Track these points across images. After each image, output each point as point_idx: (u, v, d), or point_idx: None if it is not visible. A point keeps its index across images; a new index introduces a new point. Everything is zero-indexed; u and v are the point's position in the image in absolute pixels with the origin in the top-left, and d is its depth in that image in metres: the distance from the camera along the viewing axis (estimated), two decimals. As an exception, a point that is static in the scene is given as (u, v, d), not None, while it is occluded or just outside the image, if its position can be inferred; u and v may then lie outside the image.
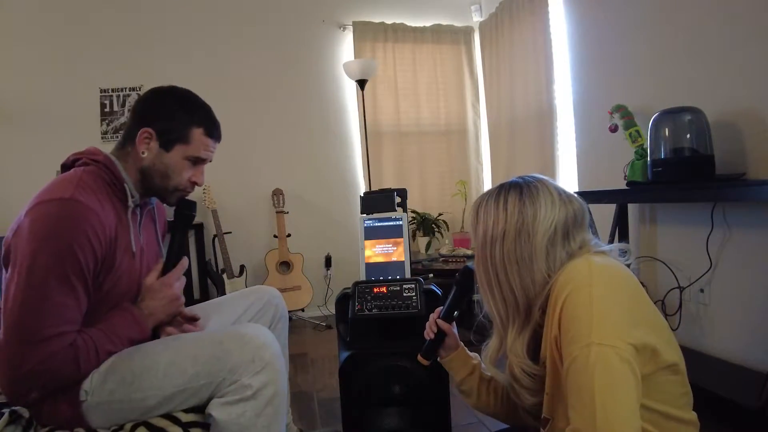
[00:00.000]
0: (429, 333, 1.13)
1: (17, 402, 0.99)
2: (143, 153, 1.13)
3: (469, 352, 1.16)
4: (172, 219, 1.26)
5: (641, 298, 0.80)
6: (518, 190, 0.89)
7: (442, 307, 1.14)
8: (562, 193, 0.90)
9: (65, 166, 1.13)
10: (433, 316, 1.14)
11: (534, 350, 0.90)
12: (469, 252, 3.25)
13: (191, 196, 1.26)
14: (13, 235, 0.99)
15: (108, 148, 1.16)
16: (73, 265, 0.96)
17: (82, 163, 1.11)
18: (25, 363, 0.92)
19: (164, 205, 1.29)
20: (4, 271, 1.00)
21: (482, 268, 0.92)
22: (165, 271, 1.19)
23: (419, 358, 1.14)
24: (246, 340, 1.05)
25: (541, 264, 0.85)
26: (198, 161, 1.19)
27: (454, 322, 1.14)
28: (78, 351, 0.97)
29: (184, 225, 1.26)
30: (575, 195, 0.92)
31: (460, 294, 1.12)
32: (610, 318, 0.73)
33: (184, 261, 1.22)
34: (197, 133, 1.16)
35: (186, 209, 1.25)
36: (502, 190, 0.91)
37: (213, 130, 1.19)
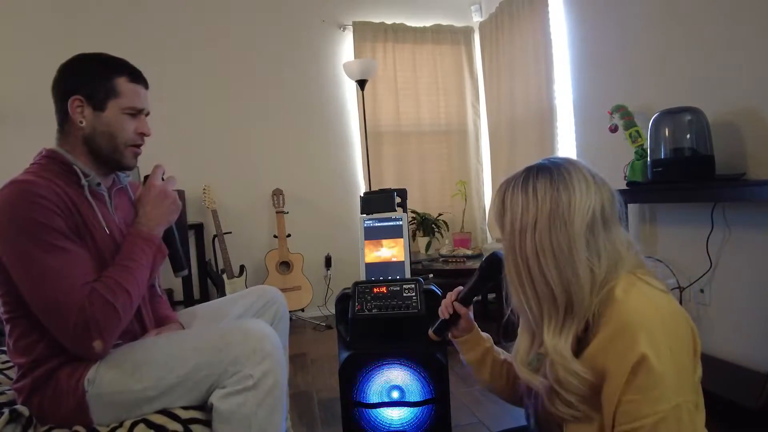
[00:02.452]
0: (444, 312, 1.10)
1: (89, 356, 1.03)
2: (81, 122, 1.11)
3: (481, 334, 1.12)
4: None
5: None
6: (548, 174, 0.82)
7: (461, 288, 1.10)
8: (595, 176, 0.83)
9: None
10: (451, 296, 1.10)
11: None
12: (468, 252, 3.25)
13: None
14: None
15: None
16: (47, 232, 0.98)
17: (30, 166, 1.11)
18: (67, 325, 0.97)
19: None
20: None
21: (511, 259, 0.85)
22: None
23: (430, 333, 1.12)
24: (247, 332, 1.06)
25: (582, 255, 0.78)
26: (136, 112, 1.16)
27: (471, 306, 1.11)
28: (102, 292, 1.00)
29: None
30: (605, 180, 0.85)
31: (482, 280, 1.08)
32: (687, 373, 0.75)
33: (158, 168, 1.23)
34: (122, 82, 1.14)
35: None
36: (530, 174, 0.84)
37: (136, 75, 1.17)
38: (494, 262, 1.06)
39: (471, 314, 1.11)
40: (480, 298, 3.22)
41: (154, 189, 1.18)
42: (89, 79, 1.12)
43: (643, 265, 0.84)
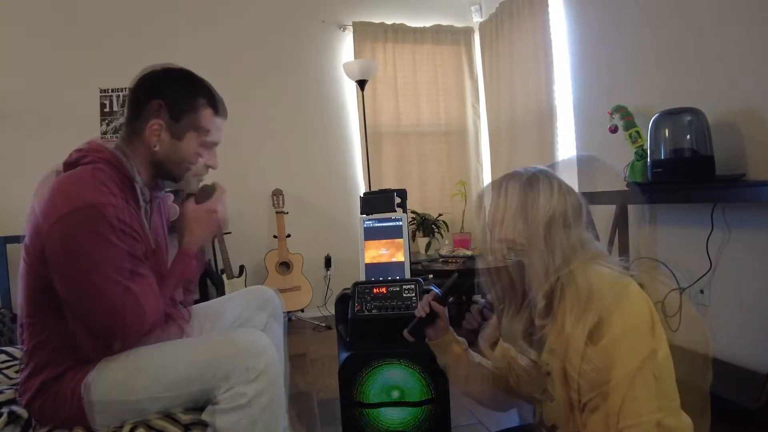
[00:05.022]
0: (421, 312, 1.13)
1: (106, 353, 1.02)
2: (155, 146, 1.10)
3: (457, 337, 1.17)
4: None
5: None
6: (519, 179, 0.93)
7: (437, 290, 1.16)
8: (561, 185, 0.92)
9: (68, 164, 1.09)
10: (427, 297, 1.15)
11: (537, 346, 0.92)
12: (468, 252, 3.25)
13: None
14: (40, 243, 0.99)
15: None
16: (102, 222, 0.97)
17: (88, 161, 1.07)
18: (95, 320, 0.98)
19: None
20: (24, 265, 1.03)
21: (482, 251, 1.00)
22: None
23: (405, 333, 1.15)
24: (240, 348, 1.03)
25: (539, 248, 0.88)
26: (211, 144, 1.17)
27: (446, 307, 1.16)
28: (137, 294, 1.00)
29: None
30: (575, 190, 0.94)
31: (459, 279, 1.15)
32: (642, 339, 0.79)
33: (224, 194, 1.24)
34: (207, 115, 1.13)
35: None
36: (504, 179, 0.96)
37: (220, 109, 1.16)
38: (469, 263, 1.15)
39: (446, 314, 1.16)
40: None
41: (215, 216, 1.20)
42: (175, 104, 1.10)
43: (604, 256, 0.91)
